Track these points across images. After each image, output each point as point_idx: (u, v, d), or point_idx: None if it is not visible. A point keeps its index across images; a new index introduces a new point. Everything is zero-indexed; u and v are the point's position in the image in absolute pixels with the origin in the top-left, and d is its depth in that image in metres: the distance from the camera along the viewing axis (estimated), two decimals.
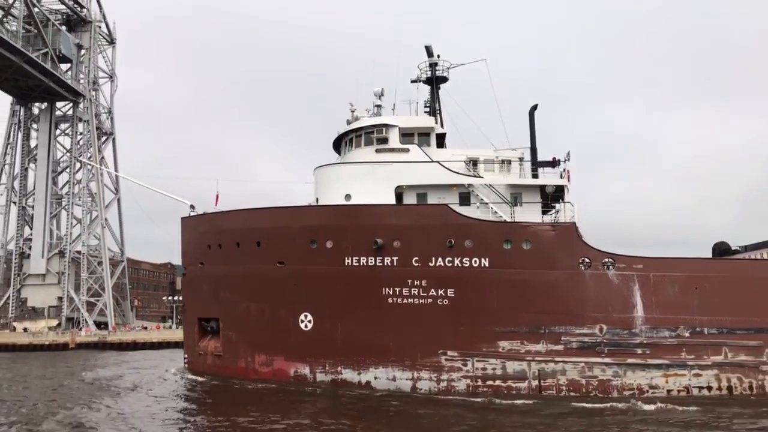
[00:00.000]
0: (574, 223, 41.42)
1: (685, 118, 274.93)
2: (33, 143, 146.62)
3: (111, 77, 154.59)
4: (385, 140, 46.00)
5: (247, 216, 45.52)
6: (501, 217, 43.08)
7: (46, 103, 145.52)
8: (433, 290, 40.84)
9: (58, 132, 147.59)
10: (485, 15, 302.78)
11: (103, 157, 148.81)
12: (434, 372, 40.65)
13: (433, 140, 47.01)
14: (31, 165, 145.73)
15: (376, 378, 41.41)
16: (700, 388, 39.32)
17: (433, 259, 40.93)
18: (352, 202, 44.23)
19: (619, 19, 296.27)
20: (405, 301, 41.13)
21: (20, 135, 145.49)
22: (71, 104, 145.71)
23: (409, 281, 41.12)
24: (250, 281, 45.09)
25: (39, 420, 31.93)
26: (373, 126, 46.42)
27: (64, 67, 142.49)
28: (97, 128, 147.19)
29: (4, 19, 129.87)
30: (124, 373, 54.83)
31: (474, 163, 45.84)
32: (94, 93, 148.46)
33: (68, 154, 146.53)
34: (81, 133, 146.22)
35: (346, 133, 48.01)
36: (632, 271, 40.18)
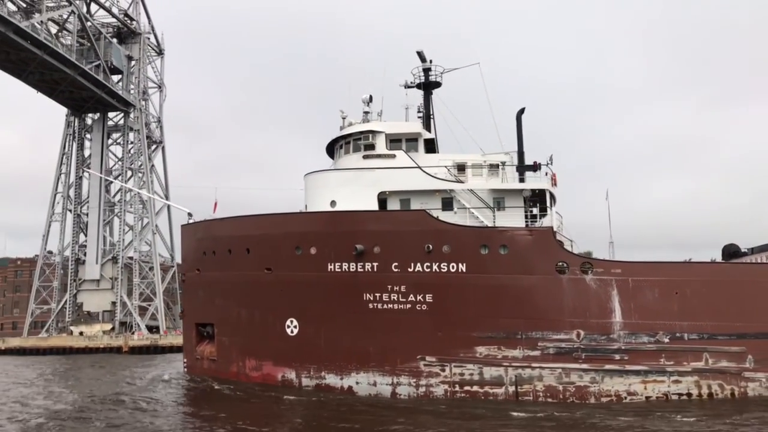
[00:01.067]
0: (551, 228, 41.14)
1: (736, 115, 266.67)
2: (87, 153, 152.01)
3: (160, 87, 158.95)
4: (372, 146, 46.43)
5: (238, 223, 46.54)
6: (482, 222, 42.95)
7: (98, 114, 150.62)
8: (411, 295, 41.04)
9: (110, 141, 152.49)
10: (520, 16, 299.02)
11: (153, 165, 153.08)
12: (413, 377, 40.87)
13: (421, 145, 47.21)
14: (85, 174, 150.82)
15: (357, 383, 41.86)
16: (680, 394, 38.62)
17: (412, 264, 41.12)
18: (337, 208, 44.77)
19: (664, 17, 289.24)
20: (385, 306, 41.43)
21: (75, 145, 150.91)
22: (122, 114, 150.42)
23: (389, 287, 41.40)
24: (240, 287, 46.10)
25: None
26: (360, 132, 46.96)
27: (115, 78, 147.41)
28: (147, 137, 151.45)
29: (60, 33, 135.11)
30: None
31: (461, 167, 45.80)
32: (143, 103, 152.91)
33: (120, 162, 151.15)
34: (132, 142, 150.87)
35: (336, 140, 48.64)
36: (610, 275, 39.67)
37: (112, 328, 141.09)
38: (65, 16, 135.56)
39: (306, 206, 47.32)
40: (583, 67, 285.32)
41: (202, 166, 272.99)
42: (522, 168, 44.68)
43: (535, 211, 44.85)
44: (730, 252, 56.34)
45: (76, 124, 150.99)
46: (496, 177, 45.57)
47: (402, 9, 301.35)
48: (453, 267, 40.65)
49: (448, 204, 44.11)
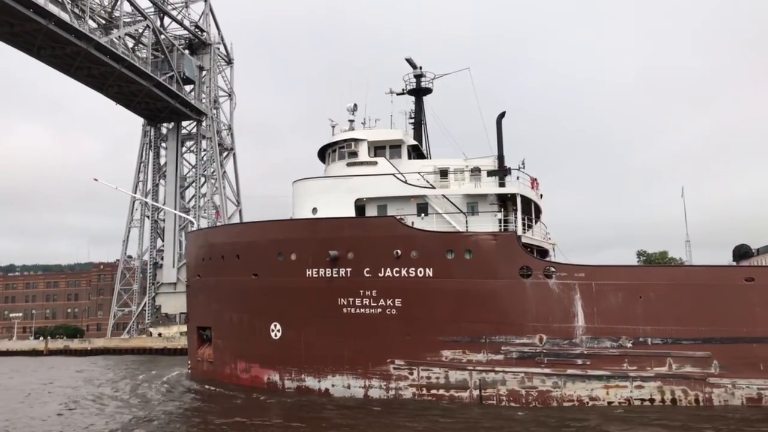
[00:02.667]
0: (515, 233, 41.25)
1: None
2: (162, 161, 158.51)
3: (230, 95, 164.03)
4: (355, 154, 47.58)
5: (229, 231, 48.75)
6: (455, 227, 43.38)
7: (173, 123, 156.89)
8: (382, 300, 41.97)
9: (184, 149, 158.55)
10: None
11: (225, 171, 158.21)
12: (384, 380, 41.76)
13: (405, 152, 47.98)
14: (161, 181, 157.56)
15: (333, 386, 43.06)
16: (642, 400, 38.09)
17: (383, 269, 42.05)
18: (318, 215, 46.09)
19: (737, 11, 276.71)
20: (358, 311, 42.50)
21: (151, 153, 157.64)
22: (195, 123, 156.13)
23: (361, 291, 42.45)
24: (232, 292, 48.09)
25: None
26: (344, 140, 48.16)
27: (187, 88, 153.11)
28: (219, 144, 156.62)
29: (136, 47, 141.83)
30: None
31: (444, 173, 46.35)
32: (215, 111, 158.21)
33: (194, 169, 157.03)
34: (204, 150, 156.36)
35: (325, 147, 49.96)
36: (574, 279, 39.52)
37: None
38: (141, 31, 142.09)
39: (293, 213, 48.80)
40: (644, 64, 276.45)
41: (272, 171, 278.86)
42: (492, 173, 44.78)
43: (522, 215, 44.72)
44: (741, 253, 54.48)
45: (152, 133, 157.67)
46: (478, 181, 45.90)
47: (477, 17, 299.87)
48: (420, 272, 41.36)
49: (423, 209, 44.76)
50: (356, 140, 47.73)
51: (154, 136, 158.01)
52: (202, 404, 43.05)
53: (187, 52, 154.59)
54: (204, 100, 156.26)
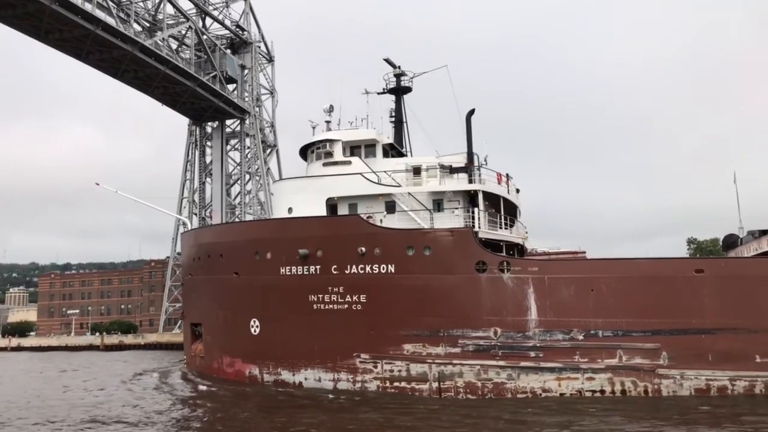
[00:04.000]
0: (471, 228, 42.09)
1: None
2: (208, 159, 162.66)
3: (272, 93, 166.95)
4: (330, 154, 49.03)
5: (214, 231, 50.85)
6: (420, 224, 44.41)
7: (217, 122, 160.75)
8: (348, 296, 43.38)
9: (228, 147, 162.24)
10: None
11: (269, 168, 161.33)
12: (351, 373, 43.21)
13: (379, 151, 49.16)
14: (208, 179, 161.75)
15: (306, 379, 44.73)
16: (593, 391, 38.68)
17: (348, 266, 43.44)
18: (293, 214, 47.73)
19: None
20: (326, 307, 44.00)
21: (197, 152, 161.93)
22: (238, 121, 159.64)
23: (330, 288, 43.93)
24: (217, 290, 50.20)
25: None
26: (320, 141, 49.63)
27: (230, 87, 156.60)
28: (262, 141, 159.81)
29: (179, 48, 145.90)
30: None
31: (417, 170, 47.34)
32: (257, 109, 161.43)
33: (238, 167, 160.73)
34: (248, 147, 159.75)
35: (304, 148, 51.53)
36: (527, 273, 40.23)
37: None
38: (183, 32, 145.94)
39: (273, 213, 50.53)
40: (692, 45, 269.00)
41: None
42: (453, 170, 45.60)
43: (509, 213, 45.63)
44: (728, 243, 53.84)
45: (198, 132, 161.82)
46: (449, 179, 46.74)
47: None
48: (383, 268, 42.59)
49: (391, 207, 45.90)
50: (331, 141, 49.16)
51: (199, 135, 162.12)
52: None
53: (229, 51, 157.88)
54: (247, 99, 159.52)
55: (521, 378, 39.65)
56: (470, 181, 45.89)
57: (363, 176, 46.24)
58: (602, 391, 38.55)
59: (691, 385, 37.85)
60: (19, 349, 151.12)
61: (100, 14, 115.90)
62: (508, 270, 40.62)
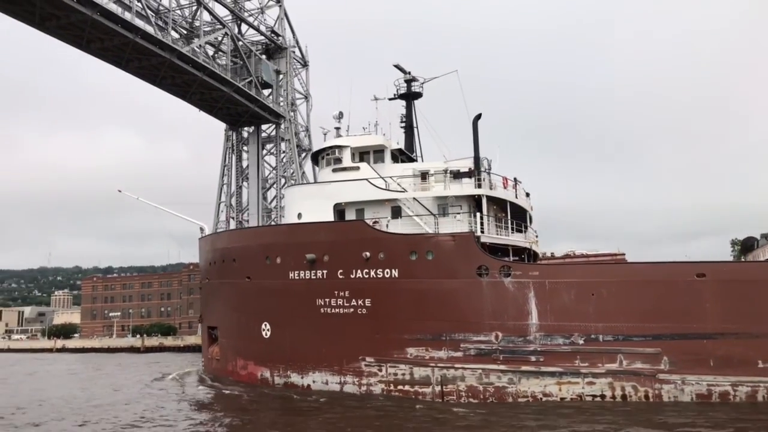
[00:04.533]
0: (473, 232, 42.24)
1: None
2: (245, 163, 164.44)
3: (306, 97, 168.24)
4: (339, 160, 49.62)
5: (228, 236, 51.88)
6: (424, 229, 44.68)
7: (253, 127, 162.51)
8: (354, 300, 43.91)
9: (264, 152, 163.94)
10: None
11: (304, 172, 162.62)
12: (356, 376, 43.73)
13: (388, 156, 49.61)
14: (244, 183, 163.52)
15: (314, 381, 45.39)
16: (594, 396, 38.54)
17: (354, 271, 43.98)
18: (303, 220, 48.44)
19: None
20: (333, 311, 44.60)
21: (234, 157, 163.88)
22: (274, 126, 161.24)
23: (336, 292, 44.53)
24: (231, 294, 51.17)
25: None
26: (329, 147, 50.30)
27: (266, 92, 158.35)
28: (297, 146, 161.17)
29: (215, 55, 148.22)
30: None
31: (425, 175, 47.71)
32: (292, 113, 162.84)
33: (274, 171, 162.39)
34: (284, 152, 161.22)
35: (316, 154, 52.26)
36: (528, 278, 40.26)
37: None
38: (220, 39, 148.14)
39: (285, 218, 51.31)
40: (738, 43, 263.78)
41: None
42: (456, 175, 45.79)
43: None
44: (747, 246, 52.99)
45: (234, 137, 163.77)
46: (457, 183, 46.97)
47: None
48: (387, 273, 43.02)
49: (397, 212, 46.29)
50: (340, 147, 49.77)
51: (235, 140, 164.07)
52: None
53: (264, 57, 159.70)
54: (282, 103, 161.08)
55: (522, 382, 39.70)
56: (478, 186, 46.00)
57: (369, 182, 46.70)
58: (602, 396, 38.40)
59: (693, 391, 37.48)
60: (63, 350, 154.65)
61: (139, 23, 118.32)
62: (509, 274, 40.66)
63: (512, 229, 46.32)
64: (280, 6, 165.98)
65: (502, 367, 40.11)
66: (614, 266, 40.90)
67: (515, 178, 48.56)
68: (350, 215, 47.85)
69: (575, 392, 38.81)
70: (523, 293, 40.21)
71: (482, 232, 43.06)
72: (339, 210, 48.06)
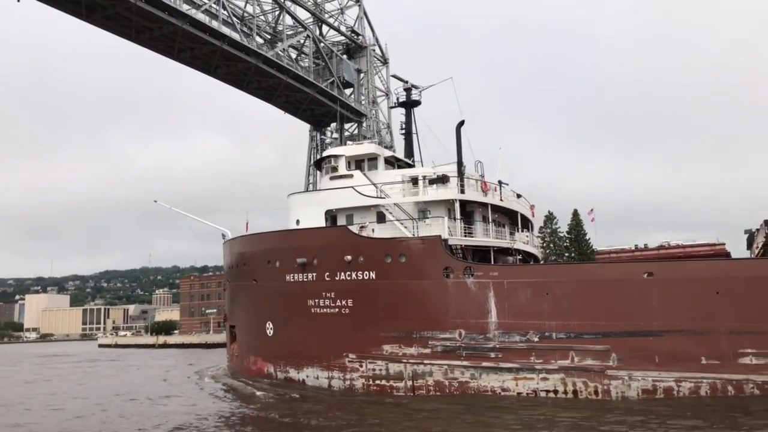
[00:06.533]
0: (440, 236, 44.38)
1: None
2: None
3: (387, 95, 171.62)
4: (335, 168, 52.81)
5: (241, 242, 55.76)
6: (404, 233, 47.15)
7: (336, 126, 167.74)
8: (339, 300, 46.94)
9: None
10: None
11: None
12: (341, 372, 46.73)
13: (381, 164, 52.42)
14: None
15: (307, 376, 48.71)
16: (547, 391, 40.14)
17: (338, 273, 46.99)
18: (300, 226, 51.87)
19: None
20: (321, 310, 47.76)
21: (318, 157, 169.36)
22: (356, 124, 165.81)
23: (324, 293, 47.67)
24: (243, 295, 55.25)
25: None
26: (327, 157, 53.58)
27: (347, 91, 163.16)
28: (379, 143, 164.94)
29: (298, 57, 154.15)
30: None
31: (415, 181, 50.21)
32: (374, 112, 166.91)
33: None
34: None
35: (317, 162, 55.59)
36: (488, 278, 42.20)
37: None
38: (302, 41, 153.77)
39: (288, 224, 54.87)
40: None
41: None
42: (432, 181, 47.92)
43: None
44: (750, 239, 52.54)
45: (318, 137, 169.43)
46: (446, 188, 49.15)
47: None
48: (366, 275, 45.83)
49: (381, 217, 48.99)
50: (336, 156, 52.99)
51: (320, 140, 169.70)
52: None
53: (345, 57, 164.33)
54: (363, 102, 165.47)
55: (483, 377, 41.69)
56: (461, 191, 48.05)
57: (354, 189, 49.58)
58: (555, 391, 39.94)
59: (639, 386, 38.52)
60: (165, 346, 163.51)
61: (225, 30, 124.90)
62: (472, 275, 42.69)
63: (492, 231, 48.09)
64: (359, 5, 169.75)
65: (465, 363, 42.19)
66: (568, 266, 42.17)
67: (500, 181, 50.31)
68: (341, 221, 50.84)
69: (531, 387, 40.49)
70: (483, 293, 42.16)
71: (450, 234, 45.13)
72: (332, 216, 51.15)
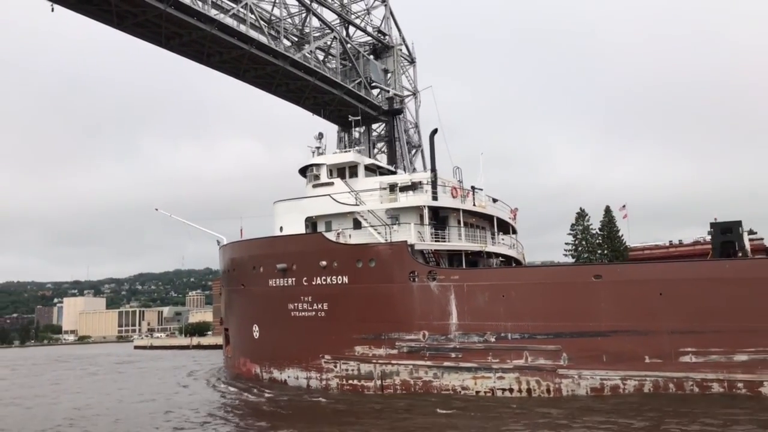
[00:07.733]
0: (406, 242, 46.42)
1: None
2: None
3: (414, 94, 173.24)
4: (317, 176, 55.18)
5: (231, 248, 58.40)
6: (378, 238, 49.27)
7: (363, 127, 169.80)
8: (315, 304, 49.24)
9: (375, 150, 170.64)
10: None
11: (414, 169, 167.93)
12: (318, 372, 49.01)
13: (361, 172, 54.65)
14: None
15: (288, 377, 51.03)
16: (503, 390, 41.99)
17: (315, 278, 49.29)
18: (284, 233, 54.30)
19: None
20: (300, 314, 50.09)
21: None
22: (383, 124, 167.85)
23: (302, 297, 50.00)
24: (233, 299, 57.90)
25: None
26: (309, 165, 55.94)
27: (374, 92, 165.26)
28: (407, 142, 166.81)
29: (325, 59, 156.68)
30: None
31: (393, 188, 52.31)
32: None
33: None
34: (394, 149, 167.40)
35: (302, 170, 58.03)
36: (450, 282, 44.16)
37: None
38: (329, 43, 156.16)
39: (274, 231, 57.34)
40: None
41: (460, 164, 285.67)
42: (403, 188, 49.99)
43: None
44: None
45: (346, 138, 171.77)
46: (423, 193, 51.19)
47: None
48: (340, 279, 48.07)
49: (358, 224, 51.18)
50: (317, 165, 55.33)
51: (348, 141, 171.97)
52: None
53: (371, 57, 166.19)
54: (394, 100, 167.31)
55: (444, 377, 43.64)
56: (434, 198, 50.05)
57: (331, 197, 51.84)
58: (511, 390, 41.76)
59: (588, 385, 40.20)
60: (198, 347, 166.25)
61: (253, 34, 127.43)
62: (434, 278, 44.71)
63: (463, 235, 49.98)
64: (385, 5, 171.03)
65: (428, 363, 44.19)
66: (523, 269, 43.83)
67: (473, 187, 52.19)
68: (321, 227, 53.11)
69: (488, 386, 42.36)
70: (445, 296, 44.14)
71: (415, 240, 47.16)
72: (312, 222, 53.48)
